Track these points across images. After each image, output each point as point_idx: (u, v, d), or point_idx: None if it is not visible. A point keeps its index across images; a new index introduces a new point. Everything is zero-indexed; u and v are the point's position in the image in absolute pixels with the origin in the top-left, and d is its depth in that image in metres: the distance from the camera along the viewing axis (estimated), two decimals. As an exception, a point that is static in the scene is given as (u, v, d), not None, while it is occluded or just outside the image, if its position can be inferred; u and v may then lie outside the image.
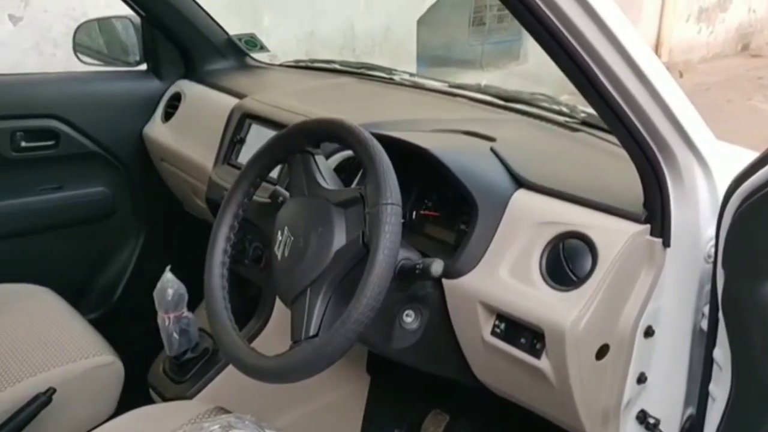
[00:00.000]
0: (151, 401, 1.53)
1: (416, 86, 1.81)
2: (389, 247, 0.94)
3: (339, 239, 1.02)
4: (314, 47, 4.60)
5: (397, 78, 1.87)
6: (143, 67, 1.98)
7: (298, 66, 2.07)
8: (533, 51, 5.73)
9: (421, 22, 5.29)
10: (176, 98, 1.91)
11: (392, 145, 1.12)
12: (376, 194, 0.97)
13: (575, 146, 1.38)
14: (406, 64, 4.79)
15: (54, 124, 1.82)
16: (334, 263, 1.01)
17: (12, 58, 3.42)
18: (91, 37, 1.95)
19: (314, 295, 1.02)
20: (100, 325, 1.63)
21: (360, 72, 1.93)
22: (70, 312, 1.63)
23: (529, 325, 1.04)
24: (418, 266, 1.04)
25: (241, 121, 1.57)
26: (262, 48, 2.06)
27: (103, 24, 1.97)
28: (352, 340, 0.95)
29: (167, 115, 1.90)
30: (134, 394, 1.47)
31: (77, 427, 1.34)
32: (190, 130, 1.80)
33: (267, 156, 1.19)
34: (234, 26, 2.07)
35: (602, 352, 1.02)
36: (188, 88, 1.91)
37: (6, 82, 1.84)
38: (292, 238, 1.08)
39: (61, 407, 1.32)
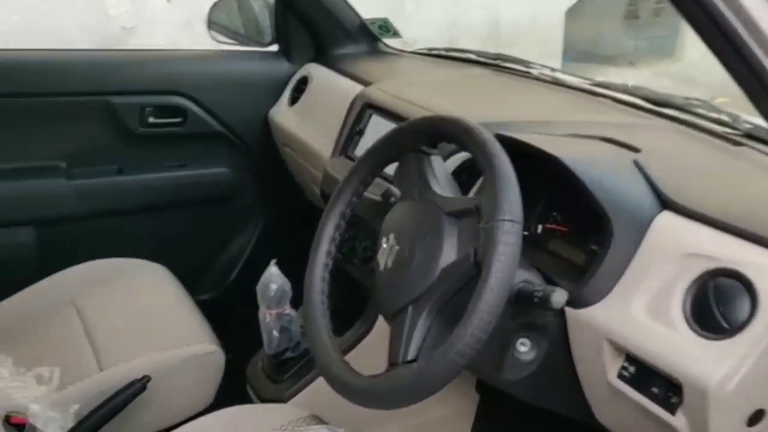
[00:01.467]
0: (247, 397, 1.49)
1: (555, 82, 1.65)
2: (503, 271, 0.82)
3: (448, 254, 0.91)
4: (457, 36, 4.47)
5: (534, 72, 1.72)
6: (274, 48, 1.94)
7: (431, 54, 1.96)
8: (688, 48, 5.29)
9: (570, 12, 5.03)
10: (303, 82, 1.86)
11: (519, 149, 0.98)
12: (493, 208, 0.85)
13: (736, 163, 1.18)
14: (550, 57, 4.56)
15: (181, 101, 1.82)
16: (440, 281, 0.90)
17: (164, 35, 3.55)
18: (225, 16, 1.93)
19: (416, 314, 0.91)
20: (209, 307, 1.61)
21: (495, 63, 1.79)
22: (180, 292, 1.62)
23: (664, 374, 0.88)
24: (537, 293, 0.90)
25: (362, 111, 1.49)
26: (395, 34, 1.96)
27: (239, 2, 1.94)
28: (453, 373, 0.83)
29: (293, 99, 1.86)
30: (232, 386, 1.43)
31: (170, 417, 1.31)
32: (313, 116, 1.74)
33: (379, 153, 1.09)
34: (375, 11, 1.99)
35: (756, 418, 0.84)
36: (316, 71, 1.85)
37: (137, 57, 1.85)
38: (398, 247, 0.97)
39: (156, 395, 1.30)
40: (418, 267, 0.93)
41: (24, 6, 3.37)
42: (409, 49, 2.04)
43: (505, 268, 0.82)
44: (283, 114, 1.86)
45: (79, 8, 3.48)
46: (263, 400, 1.45)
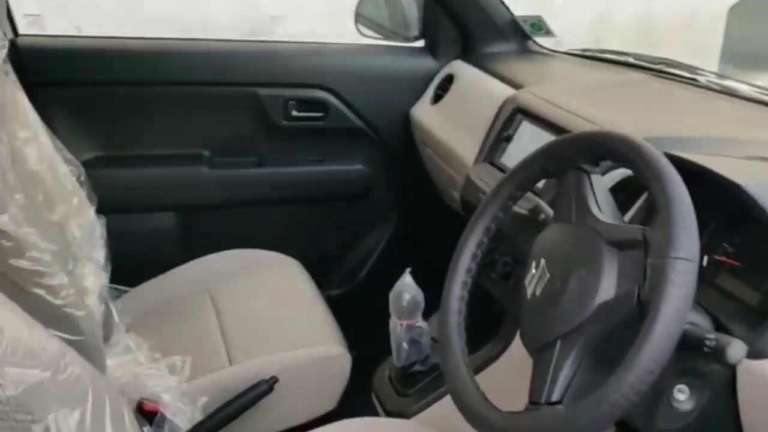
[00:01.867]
0: (371, 405, 1.45)
1: (727, 92, 1.48)
2: (673, 317, 0.72)
3: (606, 289, 0.81)
4: (606, 33, 4.25)
5: (702, 79, 1.56)
6: (420, 43, 1.89)
7: (585, 55, 1.83)
8: None
9: (734, 10, 4.65)
10: (448, 80, 1.79)
11: (691, 170, 0.87)
12: (666, 243, 0.75)
13: None
14: (705, 58, 4.24)
15: (324, 95, 1.80)
16: (595, 318, 0.81)
17: (306, 24, 3.59)
18: (373, 9, 1.89)
19: (564, 351, 0.83)
20: (337, 302, 1.59)
21: (657, 69, 1.64)
22: (311, 287, 1.61)
23: None
24: (707, 342, 0.79)
25: (511, 116, 1.40)
26: (548, 32, 1.85)
27: (386, -3, 1.90)
28: (603, 425, 0.74)
29: (437, 98, 1.79)
30: (357, 391, 1.40)
31: (293, 418, 1.30)
32: (456, 117, 1.67)
33: (534, 166, 1.00)
34: (522, 5, 1.89)
35: None
36: (462, 70, 1.78)
37: (284, 50, 1.85)
38: (548, 275, 0.88)
39: (281, 395, 1.28)
40: (570, 300, 0.84)
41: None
42: (562, 49, 1.92)
43: (676, 314, 0.72)
44: (425, 112, 1.80)
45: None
46: (387, 413, 1.41)
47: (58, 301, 1.12)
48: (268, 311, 1.52)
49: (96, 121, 1.71)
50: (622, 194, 1.07)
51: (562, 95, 1.39)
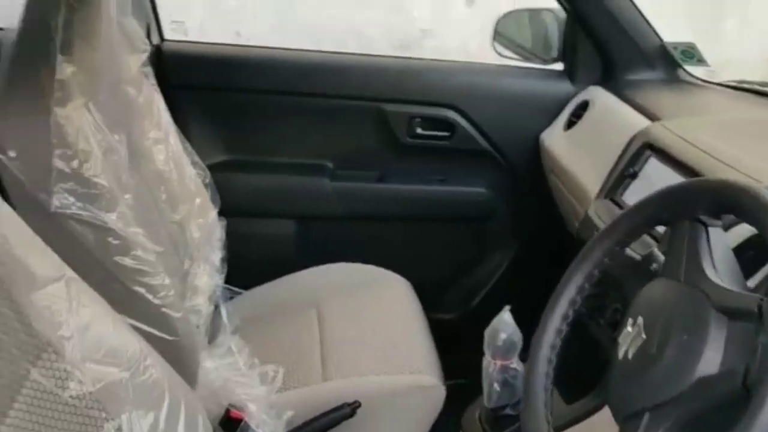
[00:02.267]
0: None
1: None
2: None
3: (709, 363, 0.71)
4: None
5: None
6: (558, 66, 1.80)
7: (742, 88, 1.66)
8: None
9: None
10: (583, 106, 1.69)
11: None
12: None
13: None
14: None
15: (451, 114, 1.76)
16: (691, 393, 0.71)
17: (457, 40, 3.56)
18: (513, 27, 1.83)
19: (653, 425, 0.73)
20: (444, 327, 1.55)
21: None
22: (417, 309, 1.57)
23: None
24: None
25: (639, 151, 1.29)
26: (701, 61, 1.70)
27: (528, 15, 1.83)
28: None
29: (569, 124, 1.70)
30: (446, 426, 1.34)
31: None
32: (587, 146, 1.57)
33: (647, 212, 0.91)
34: (682, 29, 1.75)
35: None
36: (599, 96, 1.67)
37: (413, 66, 1.83)
38: (644, 336, 0.79)
39: (366, 421, 1.25)
40: (666, 369, 0.74)
41: (333, 2, 3.58)
42: (716, 80, 1.76)
43: None
44: (555, 138, 1.71)
45: (384, 6, 3.61)
46: (475, 455, 1.34)
47: (156, 301, 1.14)
48: (371, 331, 1.49)
49: (227, 127, 1.77)
50: (750, 254, 0.95)
51: (701, 132, 1.26)
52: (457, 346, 1.53)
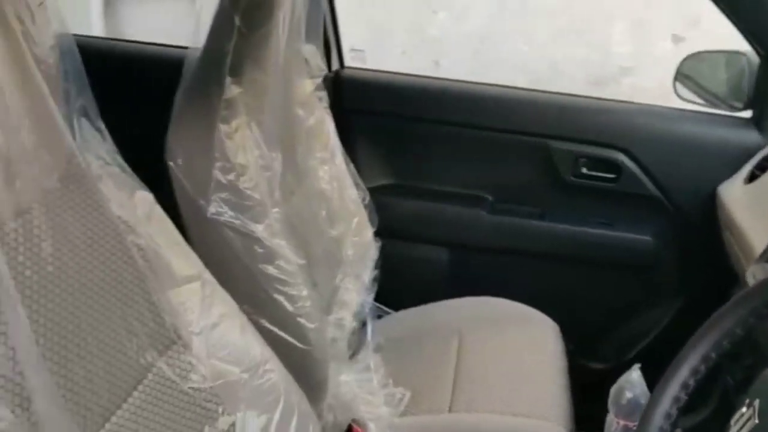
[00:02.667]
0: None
1: None
2: None
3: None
4: None
5: None
6: (745, 114, 1.66)
7: None
8: None
9: None
10: (769, 159, 1.55)
11: None
12: None
13: None
14: None
15: (620, 157, 1.69)
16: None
17: (656, 79, 3.39)
18: (698, 70, 1.72)
19: None
20: (593, 376, 1.49)
21: None
22: (561, 354, 1.53)
23: None
24: None
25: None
26: None
27: (716, 57, 1.71)
28: None
29: (752, 177, 1.56)
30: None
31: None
32: (765, 203, 1.44)
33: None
34: None
35: None
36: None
37: (581, 104, 1.78)
38: (757, 422, 0.72)
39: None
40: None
41: (535, 38, 3.57)
42: None
43: None
44: (733, 190, 1.59)
45: (584, 42, 3.54)
46: None
47: (293, 310, 1.22)
48: (508, 368, 1.48)
49: (392, 152, 1.83)
50: None
51: None
52: (600, 398, 1.46)
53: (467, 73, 3.40)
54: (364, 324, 1.60)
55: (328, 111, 1.58)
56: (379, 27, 3.58)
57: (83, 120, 0.85)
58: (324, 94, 1.57)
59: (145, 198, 0.95)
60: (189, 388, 0.92)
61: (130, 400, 0.83)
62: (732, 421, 0.76)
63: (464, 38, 3.71)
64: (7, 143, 0.67)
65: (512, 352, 1.53)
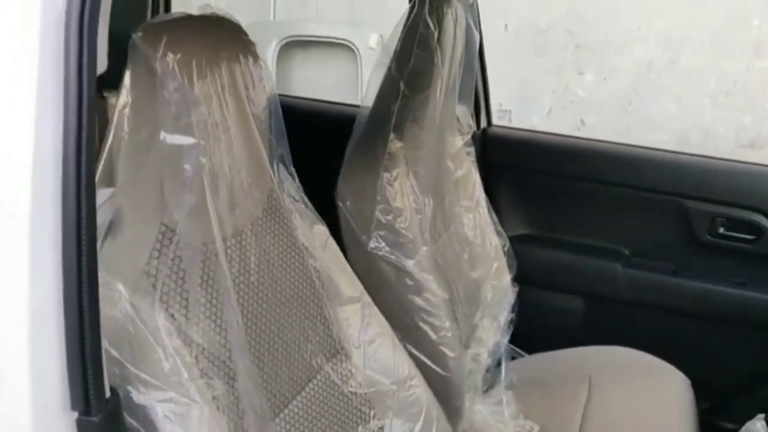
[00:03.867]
0: None
1: None
2: None
3: None
4: None
5: None
6: None
7: None
8: None
9: None
10: None
11: None
12: None
13: None
14: None
15: (759, 219, 1.73)
16: None
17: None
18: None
19: None
20: None
21: None
22: (690, 409, 1.58)
23: None
24: None
25: None
26: None
27: None
28: None
29: None
30: None
31: None
32: None
33: None
34: None
35: None
36: None
37: (717, 166, 1.83)
38: None
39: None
40: None
41: (683, 99, 3.57)
42: None
43: None
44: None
45: (735, 107, 3.50)
46: None
47: (436, 339, 1.37)
48: (637, 417, 1.54)
49: (533, 204, 1.96)
50: None
51: None
52: None
53: (611, 133, 3.47)
54: (498, 363, 1.72)
55: (475, 165, 1.75)
56: (527, 88, 3.72)
57: (280, 165, 1.06)
58: (472, 149, 1.74)
59: (321, 230, 1.14)
60: (348, 391, 1.09)
61: (303, 393, 1.01)
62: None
63: (610, 98, 3.77)
64: (233, 181, 0.88)
65: (642, 401, 1.59)
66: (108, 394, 0.63)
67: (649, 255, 1.87)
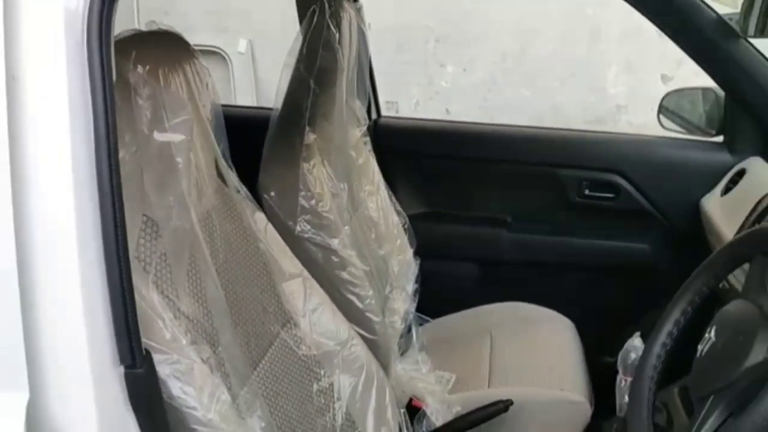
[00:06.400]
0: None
1: None
2: None
3: (756, 356, 0.94)
4: None
5: None
6: (719, 138, 1.99)
7: None
8: None
9: None
10: (740, 174, 1.87)
11: None
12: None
13: None
14: None
15: (616, 179, 2.01)
16: (741, 379, 0.95)
17: (650, 115, 3.74)
18: (677, 104, 2.06)
19: (715, 404, 0.97)
20: (600, 368, 1.77)
21: None
22: (577, 345, 1.83)
23: None
24: None
25: (765, 211, 1.48)
26: None
27: (691, 93, 2.05)
28: None
29: (726, 190, 1.88)
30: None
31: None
32: (738, 209, 1.75)
33: (732, 251, 1.14)
34: None
35: None
36: (755, 165, 1.85)
37: (583, 137, 2.12)
38: (714, 339, 1.03)
39: (516, 421, 1.53)
40: (724, 362, 0.98)
41: (536, 83, 3.93)
42: None
43: None
44: (713, 203, 1.90)
45: (581, 86, 3.89)
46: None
47: (362, 307, 1.54)
48: (533, 356, 1.77)
49: (426, 185, 2.17)
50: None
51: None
52: (610, 385, 1.74)
53: (476, 119, 3.74)
54: (409, 330, 1.90)
55: (372, 153, 1.93)
56: (395, 82, 3.94)
57: (223, 161, 1.18)
58: (368, 139, 1.92)
59: (261, 217, 1.28)
60: (302, 354, 1.24)
61: (268, 355, 1.15)
62: (699, 346, 1.08)
63: (471, 87, 4.07)
64: (199, 172, 1.00)
65: (536, 343, 1.83)
66: (144, 352, 0.75)
67: (529, 219, 2.12)
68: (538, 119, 3.75)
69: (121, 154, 0.88)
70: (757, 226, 1.12)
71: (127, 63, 0.89)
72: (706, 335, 1.07)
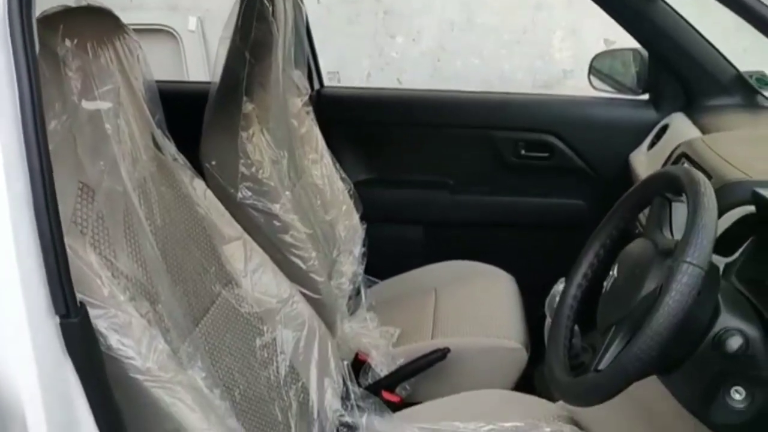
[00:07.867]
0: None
1: None
2: (672, 309, 0.93)
3: (648, 285, 1.04)
4: None
5: None
6: (645, 96, 2.09)
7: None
8: None
9: None
10: (665, 129, 1.98)
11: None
12: (682, 248, 0.96)
13: None
14: None
15: (550, 139, 2.11)
16: (637, 308, 1.04)
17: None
18: (605, 65, 2.15)
19: (616, 333, 1.07)
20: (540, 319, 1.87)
21: None
22: (516, 298, 1.93)
23: None
24: (719, 336, 0.98)
25: (676, 160, 1.59)
26: (773, 87, 1.93)
27: (618, 54, 2.14)
28: (618, 384, 0.98)
29: (652, 145, 1.99)
30: (528, 382, 1.69)
31: (462, 389, 1.62)
32: (660, 162, 1.86)
33: (635, 196, 1.23)
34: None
35: None
36: (676, 120, 1.95)
37: (516, 99, 2.21)
38: (616, 275, 1.13)
39: (456, 368, 1.63)
40: (624, 294, 1.08)
41: (484, 52, 4.00)
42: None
43: (675, 306, 0.93)
44: (640, 157, 2.01)
45: (527, 52, 3.98)
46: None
47: (306, 268, 1.61)
48: (475, 308, 1.87)
49: (369, 152, 2.25)
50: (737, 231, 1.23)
51: (735, 145, 1.54)
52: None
53: (428, 88, 3.81)
54: (358, 292, 1.99)
55: (315, 122, 1.99)
56: (346, 55, 3.99)
57: (159, 130, 1.24)
58: (310, 108, 1.98)
59: (200, 183, 1.34)
60: (244, 312, 1.31)
61: (209, 314, 1.22)
62: (605, 282, 1.17)
63: (421, 57, 4.13)
64: (133, 141, 1.06)
65: (478, 297, 1.92)
66: (79, 304, 0.82)
67: (470, 181, 2.21)
68: (487, 86, 3.84)
69: (52, 124, 0.95)
70: (654, 171, 1.21)
71: (56, 36, 0.95)
72: (611, 273, 1.17)
